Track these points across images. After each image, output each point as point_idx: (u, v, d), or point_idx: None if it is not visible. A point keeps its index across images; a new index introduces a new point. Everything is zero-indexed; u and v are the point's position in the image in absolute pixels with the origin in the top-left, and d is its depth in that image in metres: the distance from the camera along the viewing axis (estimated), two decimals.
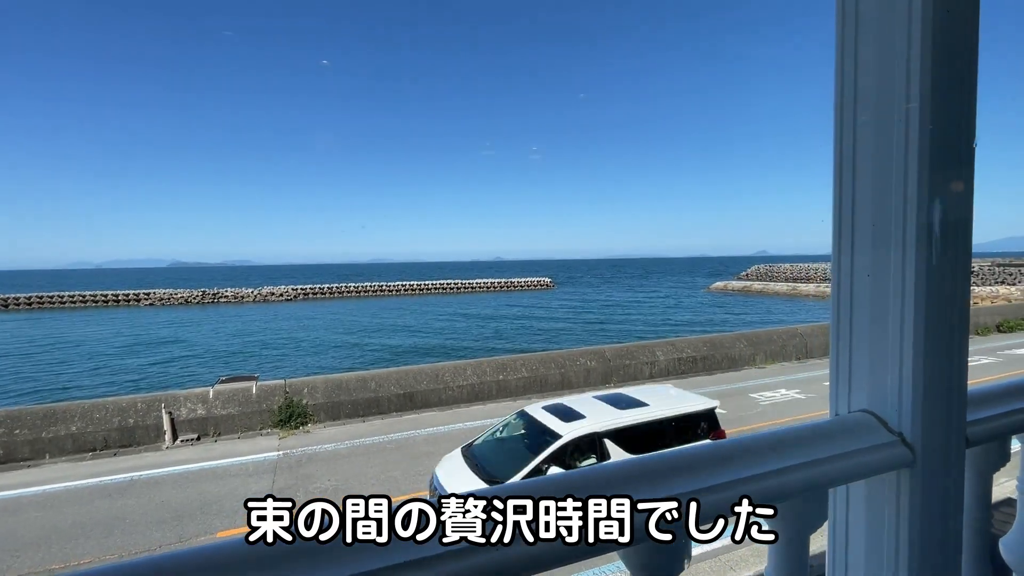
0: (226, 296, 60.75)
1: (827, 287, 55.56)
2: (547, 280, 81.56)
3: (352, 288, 67.55)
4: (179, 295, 59.58)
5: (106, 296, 58.42)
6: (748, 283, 65.64)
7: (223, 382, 12.00)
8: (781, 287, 59.09)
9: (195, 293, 60.38)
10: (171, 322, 42.23)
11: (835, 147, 1.30)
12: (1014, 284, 44.27)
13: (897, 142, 1.25)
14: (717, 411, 7.85)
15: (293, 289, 64.82)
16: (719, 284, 69.95)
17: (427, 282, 73.30)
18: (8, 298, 55.99)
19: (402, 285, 70.28)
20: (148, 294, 59.64)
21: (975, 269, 51.12)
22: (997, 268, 51.55)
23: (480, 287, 72.97)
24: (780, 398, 12.40)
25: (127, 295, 59.03)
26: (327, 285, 69.13)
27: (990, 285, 43.10)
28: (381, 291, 67.92)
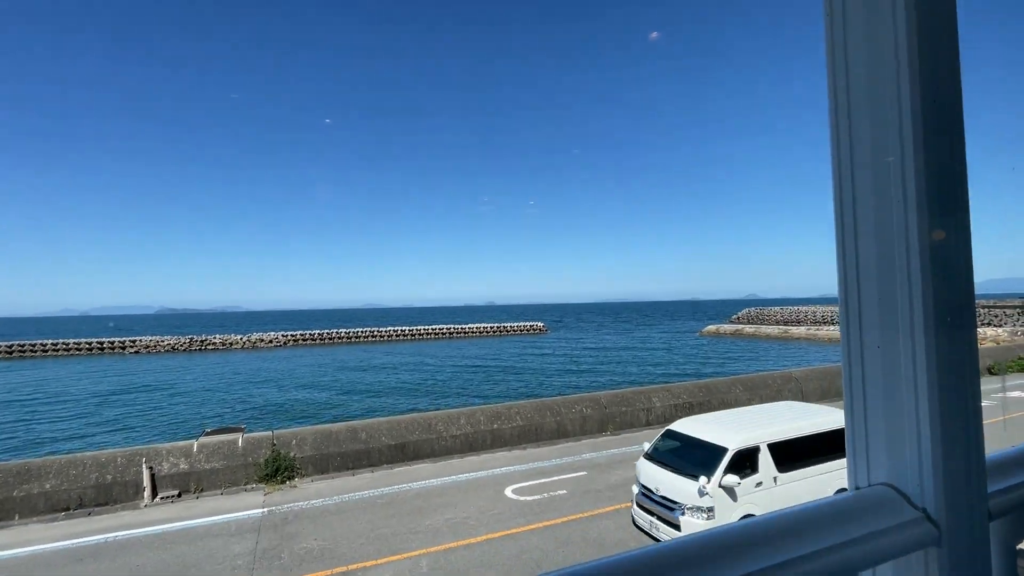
0: (214, 343, 59.75)
1: (817, 329, 55.95)
2: (540, 325, 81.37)
3: (344, 334, 66.83)
4: (166, 342, 58.54)
5: (91, 344, 57.24)
6: (740, 326, 65.91)
7: (208, 434, 11.61)
8: (772, 330, 59.37)
9: (182, 340, 59.37)
10: (156, 370, 41.25)
11: (836, 217, 1.36)
12: (1000, 326, 44.83)
13: (896, 203, 1.30)
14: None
15: (283, 335, 64.01)
16: (712, 328, 70.15)
17: (420, 327, 72.79)
18: None
19: (394, 330, 69.68)
20: (134, 341, 58.54)
21: None
22: (983, 310, 52.31)
23: (473, 332, 72.50)
24: None
25: (112, 343, 57.89)
26: (318, 331, 68.40)
27: (978, 327, 43.60)
28: (373, 337, 67.19)
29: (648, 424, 14.38)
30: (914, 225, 1.34)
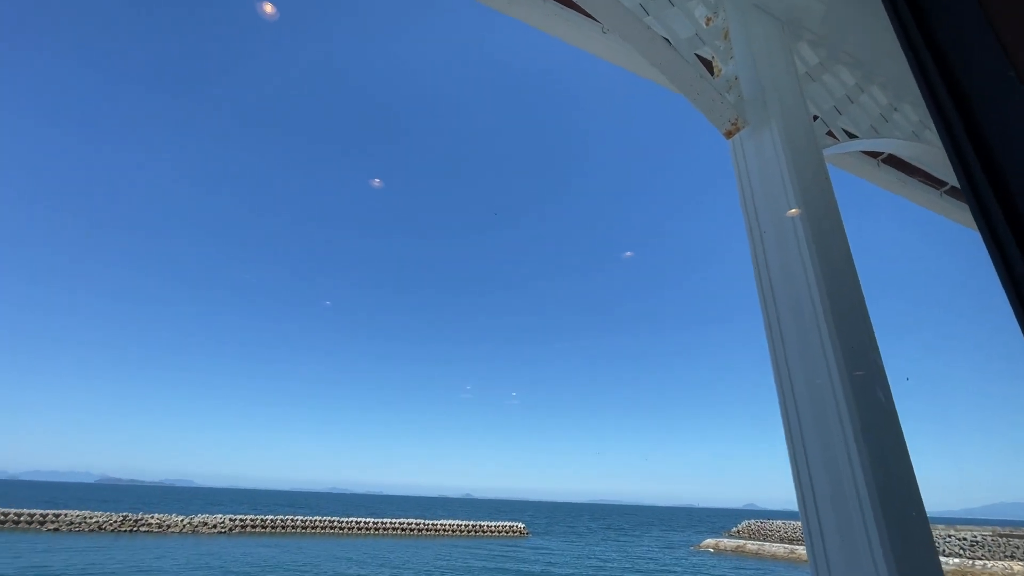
0: (149, 524, 52.39)
1: None
2: (521, 526, 73.17)
3: (300, 522, 59.30)
4: (93, 519, 51.29)
5: (5, 515, 49.99)
6: (741, 542, 59.52)
7: None
8: (778, 549, 53.48)
9: (113, 518, 52.14)
10: (61, 552, 35.23)
11: (788, 445, 1.47)
12: None
13: (835, 428, 1.38)
14: None
15: (231, 519, 56.61)
16: (710, 541, 63.32)
17: (385, 520, 65.09)
18: None
19: (356, 522, 62.10)
20: (56, 515, 51.25)
21: (977, 539, 47.67)
22: (1000, 539, 48.06)
23: (445, 530, 64.68)
24: None
25: (31, 516, 50.63)
26: (270, 517, 60.81)
27: (1001, 559, 39.56)
28: (331, 528, 59.54)
29: None
30: (855, 454, 1.45)
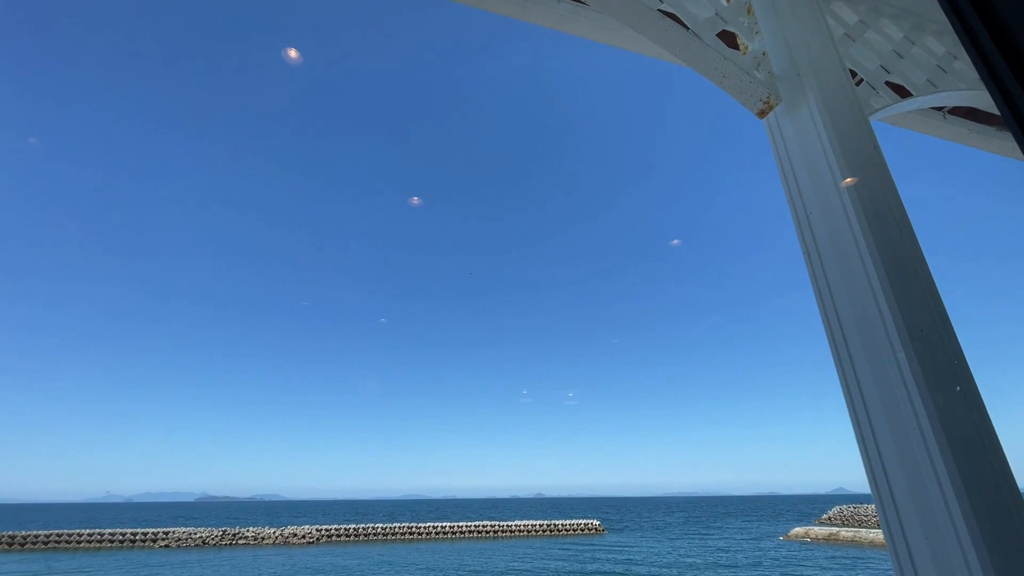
0: (246, 537, 56.31)
1: None
2: (596, 524, 72.47)
3: (380, 530, 61.78)
4: (197, 535, 55.73)
5: (123, 535, 55.30)
6: (834, 529, 55.99)
7: None
8: (876, 536, 49.89)
9: (214, 533, 56.44)
10: (170, 568, 38.45)
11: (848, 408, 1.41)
12: None
13: (896, 381, 1.30)
14: None
15: (317, 530, 59.84)
16: (799, 530, 59.97)
17: (461, 523, 66.46)
18: (20, 536, 53.77)
19: (433, 527, 63.84)
20: (166, 534, 56.11)
21: None
22: None
23: (519, 530, 65.14)
24: None
25: (144, 534, 55.72)
26: (353, 526, 63.76)
27: None
28: (410, 534, 61.57)
29: None
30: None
